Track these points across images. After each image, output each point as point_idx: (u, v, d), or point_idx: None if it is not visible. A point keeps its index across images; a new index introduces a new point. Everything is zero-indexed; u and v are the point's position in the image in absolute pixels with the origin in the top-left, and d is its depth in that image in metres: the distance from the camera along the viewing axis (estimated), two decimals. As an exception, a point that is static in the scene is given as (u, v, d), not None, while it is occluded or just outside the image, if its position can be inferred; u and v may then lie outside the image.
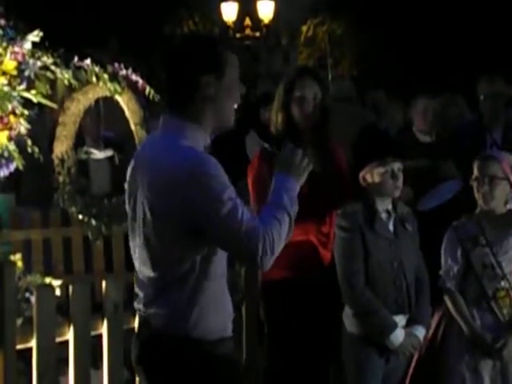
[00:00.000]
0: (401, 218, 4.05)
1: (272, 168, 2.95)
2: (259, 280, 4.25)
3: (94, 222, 5.93)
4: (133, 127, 6.04)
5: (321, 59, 15.91)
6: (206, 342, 2.74)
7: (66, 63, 4.44)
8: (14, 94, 3.92)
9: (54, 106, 4.37)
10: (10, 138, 3.94)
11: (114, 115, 6.36)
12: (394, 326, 3.91)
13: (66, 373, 3.55)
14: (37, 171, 5.64)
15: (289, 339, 4.16)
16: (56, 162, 5.85)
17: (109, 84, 5.28)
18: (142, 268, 2.79)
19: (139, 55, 12.01)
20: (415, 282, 4.03)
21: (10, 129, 3.92)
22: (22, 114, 3.94)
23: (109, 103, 6.04)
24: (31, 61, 4.02)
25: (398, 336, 3.91)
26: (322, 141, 4.23)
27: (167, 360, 2.75)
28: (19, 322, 3.40)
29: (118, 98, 5.78)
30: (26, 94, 3.97)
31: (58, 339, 3.45)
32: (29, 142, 4.14)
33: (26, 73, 3.99)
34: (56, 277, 4.62)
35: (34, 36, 4.07)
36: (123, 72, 5.45)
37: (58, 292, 3.58)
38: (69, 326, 3.47)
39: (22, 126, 3.95)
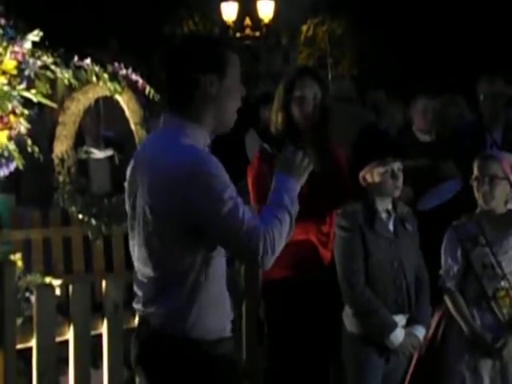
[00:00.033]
0: (401, 217, 4.05)
1: (272, 168, 2.95)
2: (260, 279, 4.25)
3: (93, 221, 5.93)
4: (133, 127, 6.04)
5: (321, 59, 15.91)
6: (204, 342, 2.74)
7: (66, 63, 4.44)
8: (14, 93, 3.92)
9: (54, 105, 4.38)
10: (9, 138, 3.94)
11: (113, 115, 6.36)
12: (394, 325, 3.91)
13: (65, 372, 3.55)
14: (37, 171, 5.64)
15: (289, 339, 4.15)
16: (56, 161, 5.85)
17: (109, 84, 5.28)
18: (142, 268, 2.79)
19: (139, 55, 11.99)
20: (415, 282, 4.03)
21: (10, 128, 3.92)
22: (22, 114, 3.94)
23: (109, 103, 6.03)
24: (31, 60, 4.02)
25: (398, 336, 3.91)
26: (321, 141, 4.23)
27: (166, 360, 2.75)
28: (19, 321, 3.40)
29: (117, 97, 5.78)
30: (25, 94, 3.97)
31: (58, 339, 3.45)
32: (29, 141, 4.15)
33: (26, 72, 3.99)
34: (56, 276, 4.63)
35: (34, 35, 4.07)
36: (123, 71, 5.45)
37: (58, 292, 3.58)
38: (69, 326, 3.47)
39: (22, 126, 3.96)
